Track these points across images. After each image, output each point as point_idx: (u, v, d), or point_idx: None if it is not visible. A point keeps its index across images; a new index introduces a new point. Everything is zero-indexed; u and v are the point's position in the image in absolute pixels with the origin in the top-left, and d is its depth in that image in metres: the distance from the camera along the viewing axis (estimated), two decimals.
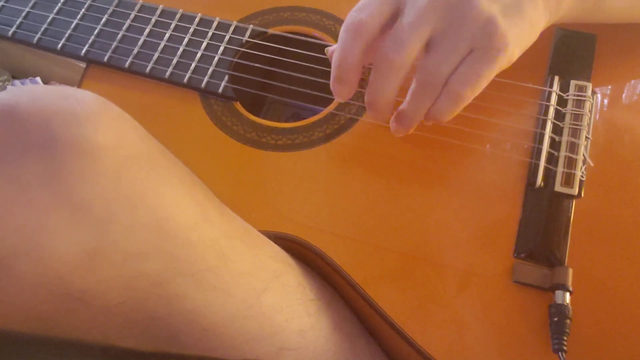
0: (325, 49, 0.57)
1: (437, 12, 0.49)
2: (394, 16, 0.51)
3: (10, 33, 0.69)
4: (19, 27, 0.69)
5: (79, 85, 0.67)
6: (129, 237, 0.41)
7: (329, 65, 0.55)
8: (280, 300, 0.50)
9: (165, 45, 0.66)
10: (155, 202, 0.43)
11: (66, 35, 0.68)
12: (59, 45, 0.68)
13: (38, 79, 1.06)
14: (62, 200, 0.39)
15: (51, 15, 0.69)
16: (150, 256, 0.42)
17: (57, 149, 0.39)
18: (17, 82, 1.05)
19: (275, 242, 0.55)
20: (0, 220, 0.38)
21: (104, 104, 0.43)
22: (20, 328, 0.41)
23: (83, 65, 0.69)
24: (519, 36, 0.51)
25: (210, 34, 0.67)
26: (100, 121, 0.41)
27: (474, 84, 0.50)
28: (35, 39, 0.68)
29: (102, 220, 0.40)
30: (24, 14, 0.69)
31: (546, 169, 0.57)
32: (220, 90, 0.64)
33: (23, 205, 0.38)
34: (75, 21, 0.69)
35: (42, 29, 0.68)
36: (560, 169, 0.56)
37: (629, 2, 0.61)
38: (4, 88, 1.02)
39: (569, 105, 0.59)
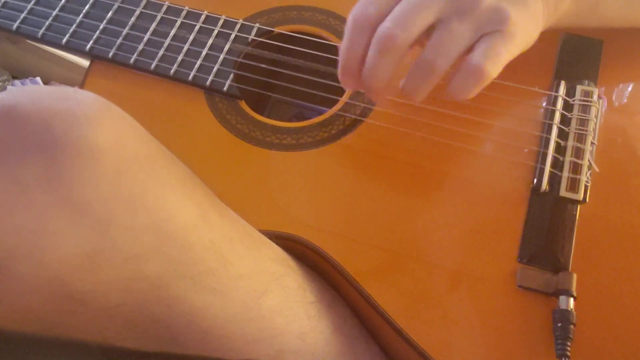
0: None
1: None
2: None
3: (14, 27, 0.69)
4: (23, 21, 0.69)
5: (83, 81, 0.66)
6: (129, 239, 0.41)
7: (335, 66, 0.55)
8: (280, 302, 0.50)
9: (170, 43, 0.66)
10: (155, 204, 0.43)
11: (71, 30, 0.68)
12: (64, 41, 0.67)
13: (38, 79, 1.05)
14: (61, 202, 0.39)
15: (56, 11, 0.69)
16: (150, 258, 0.42)
17: (56, 150, 0.39)
18: (17, 82, 1.05)
19: (277, 242, 0.55)
20: (0, 221, 0.38)
21: (104, 104, 0.43)
22: (20, 329, 0.41)
23: (84, 65, 0.69)
24: (526, 28, 0.51)
25: (216, 32, 0.67)
26: (100, 122, 0.41)
27: (495, 61, 0.49)
28: (40, 33, 0.68)
29: (102, 221, 0.40)
30: (28, 8, 0.69)
31: (551, 174, 0.56)
32: (225, 88, 0.63)
33: (23, 206, 0.38)
34: (80, 17, 0.68)
35: (47, 24, 0.68)
36: (565, 174, 0.56)
37: (624, 8, 0.60)
38: (4, 88, 1.02)
39: (575, 110, 0.59)
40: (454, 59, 0.50)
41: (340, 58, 0.53)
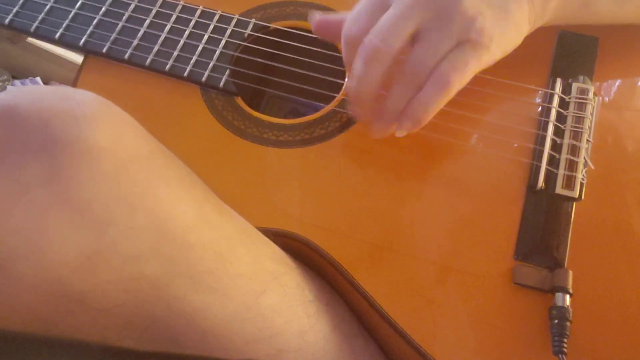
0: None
1: (424, 6, 0.49)
2: None
3: (7, 21, 0.68)
4: (16, 15, 0.68)
5: (77, 78, 0.66)
6: (128, 239, 0.41)
7: (332, 62, 0.55)
8: (279, 301, 0.50)
9: (165, 38, 0.66)
10: (154, 204, 0.43)
11: (64, 25, 0.67)
12: (57, 35, 0.66)
13: (38, 79, 1.05)
14: (61, 202, 0.39)
15: (49, 4, 0.68)
16: (149, 258, 0.42)
17: (56, 150, 0.39)
18: (17, 82, 1.04)
19: (274, 240, 0.55)
20: (0, 221, 0.38)
21: (104, 104, 0.43)
22: (20, 329, 0.41)
23: None
24: (503, 36, 0.51)
25: (211, 27, 0.66)
26: (99, 122, 0.41)
27: (462, 72, 0.50)
28: (33, 27, 0.67)
29: (101, 222, 0.40)
30: (21, 1, 0.68)
31: (547, 171, 0.56)
32: (221, 84, 0.63)
33: (22, 206, 0.38)
34: (74, 10, 0.67)
35: (40, 17, 0.67)
36: (561, 172, 0.56)
37: (614, 5, 0.61)
38: (4, 88, 1.01)
39: (571, 108, 0.59)
40: (433, 67, 0.50)
41: (351, 92, 0.54)
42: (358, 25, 0.51)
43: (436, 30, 0.49)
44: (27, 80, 1.04)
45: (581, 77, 0.61)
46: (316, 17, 0.57)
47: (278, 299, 0.50)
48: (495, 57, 0.52)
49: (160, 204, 0.43)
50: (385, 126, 0.55)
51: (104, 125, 0.41)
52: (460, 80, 0.50)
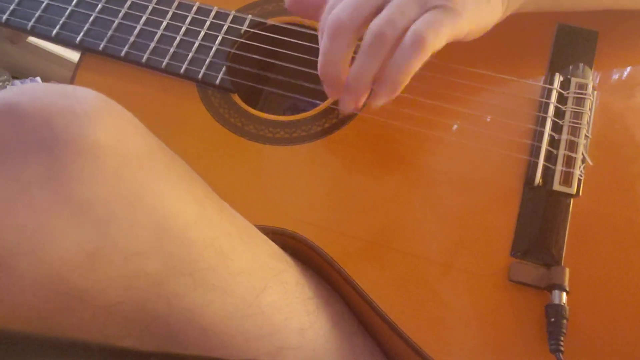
0: None
1: None
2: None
3: (3, 19, 0.67)
4: (12, 14, 0.67)
5: (73, 76, 0.65)
6: (129, 237, 0.41)
7: None
8: (279, 299, 0.50)
9: (162, 35, 0.65)
10: (155, 201, 0.43)
11: (60, 22, 0.67)
12: (54, 33, 0.66)
13: (38, 79, 1.05)
14: (62, 200, 0.39)
15: (46, 2, 0.68)
16: (150, 255, 0.42)
17: (57, 148, 0.39)
18: (17, 82, 1.04)
19: (272, 238, 0.55)
20: (1, 219, 0.38)
21: (105, 102, 0.42)
22: (21, 328, 0.41)
23: None
24: (476, 8, 0.51)
25: (208, 23, 0.66)
26: (100, 120, 0.41)
27: (436, 30, 0.48)
28: (29, 26, 0.67)
29: (102, 219, 0.40)
30: (17, 0, 0.68)
31: (545, 167, 0.57)
32: (217, 81, 0.63)
33: (23, 204, 0.38)
34: (70, 8, 0.67)
35: (36, 16, 0.67)
36: (559, 168, 0.56)
37: None
38: (4, 88, 1.01)
39: (569, 103, 0.59)
40: (401, 31, 0.49)
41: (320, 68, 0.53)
42: (347, 11, 0.50)
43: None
44: (27, 80, 1.04)
45: (580, 72, 0.61)
46: None
47: (278, 296, 0.50)
48: (468, 27, 0.51)
49: (161, 202, 0.43)
50: (353, 97, 0.54)
51: (104, 123, 0.41)
52: (435, 38, 0.49)
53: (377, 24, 0.49)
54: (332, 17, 0.50)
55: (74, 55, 1.05)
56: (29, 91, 0.41)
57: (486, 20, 0.53)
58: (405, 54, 0.49)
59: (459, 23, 0.50)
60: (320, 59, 0.52)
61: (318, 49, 0.62)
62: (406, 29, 0.49)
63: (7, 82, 1.02)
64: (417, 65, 0.50)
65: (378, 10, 0.50)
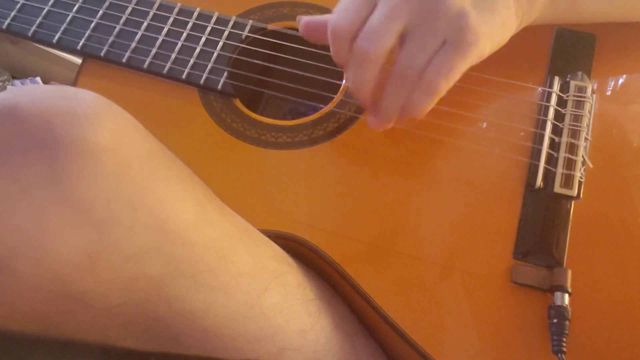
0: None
1: (410, 5, 0.49)
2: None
3: (4, 25, 0.68)
4: (14, 19, 0.68)
5: (75, 81, 0.66)
6: (129, 239, 0.41)
7: (329, 63, 0.55)
8: (280, 300, 0.50)
9: (163, 40, 0.66)
10: (155, 203, 0.43)
11: (62, 28, 0.67)
12: (55, 39, 0.67)
13: (38, 79, 1.05)
14: (62, 202, 0.39)
15: (47, 8, 0.68)
16: (150, 257, 0.42)
17: (57, 150, 0.39)
18: (17, 82, 1.04)
19: (275, 241, 0.55)
20: (1, 221, 0.38)
21: (105, 104, 0.43)
22: (21, 329, 0.41)
23: None
24: (490, 33, 0.51)
25: (209, 29, 0.66)
26: (101, 122, 0.41)
27: (447, 75, 0.50)
28: (31, 32, 0.67)
29: (102, 221, 0.40)
30: (18, 6, 0.68)
31: (546, 170, 0.57)
32: (219, 86, 0.63)
33: (23, 206, 0.38)
34: (72, 14, 0.68)
35: (38, 21, 0.67)
36: (559, 170, 0.56)
37: (603, 4, 0.61)
38: (4, 88, 1.01)
39: (569, 106, 0.59)
40: (422, 67, 0.51)
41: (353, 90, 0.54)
42: (345, 18, 0.51)
43: (422, 30, 0.50)
44: (27, 80, 1.04)
45: (579, 75, 0.61)
46: (303, 20, 0.56)
47: (279, 297, 0.50)
48: (484, 53, 0.52)
49: (162, 203, 0.43)
50: (384, 123, 0.55)
51: (105, 125, 0.41)
52: (447, 83, 0.51)
53: (398, 67, 0.51)
54: (358, 48, 0.50)
55: (74, 56, 1.05)
56: (30, 93, 0.41)
57: (501, 40, 0.54)
58: (419, 99, 0.51)
59: (473, 56, 0.51)
60: (350, 84, 0.54)
61: (318, 53, 0.62)
62: (428, 63, 0.50)
63: (7, 82, 1.03)
64: (432, 105, 0.52)
65: (401, 37, 0.51)
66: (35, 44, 0.96)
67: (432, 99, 0.51)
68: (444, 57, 0.50)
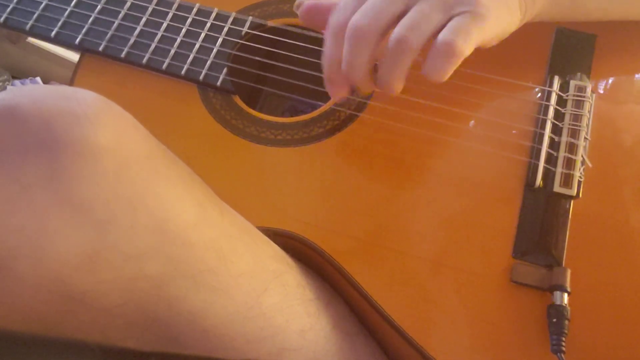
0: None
1: None
2: None
3: (2, 19, 0.67)
4: (11, 13, 0.67)
5: (73, 77, 0.65)
6: (129, 239, 0.41)
7: None
8: (280, 300, 0.50)
9: (162, 35, 0.65)
10: (155, 203, 0.43)
11: (60, 22, 0.66)
12: (53, 33, 0.66)
13: (38, 79, 1.04)
14: (62, 202, 0.39)
15: (45, 2, 0.68)
16: (150, 257, 0.42)
17: (57, 150, 0.39)
18: (17, 82, 1.03)
19: (274, 239, 0.55)
20: (1, 221, 0.38)
21: (105, 104, 0.42)
22: (21, 329, 0.41)
23: None
24: (498, 10, 0.50)
25: (208, 25, 0.66)
26: (100, 122, 0.41)
27: (465, 38, 0.48)
28: (28, 25, 0.67)
29: (102, 221, 0.40)
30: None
31: (545, 170, 0.57)
32: (219, 83, 0.63)
33: (23, 206, 0.38)
34: (70, 8, 0.67)
35: (36, 15, 0.67)
36: (559, 170, 0.56)
37: (604, 1, 0.61)
38: (4, 88, 1.01)
39: (569, 106, 0.59)
40: (426, 37, 0.49)
41: (324, 68, 0.53)
42: (345, 13, 0.51)
43: (426, 3, 0.49)
44: (27, 80, 1.04)
45: (579, 75, 0.61)
46: (305, 4, 0.56)
47: (279, 298, 0.50)
48: (492, 31, 0.51)
49: (161, 203, 0.43)
50: (387, 91, 0.53)
51: (104, 125, 0.41)
52: (465, 45, 0.48)
53: (399, 30, 0.49)
54: (353, 24, 0.49)
55: (74, 56, 1.04)
56: (30, 93, 0.41)
57: (507, 26, 0.53)
58: (437, 62, 0.49)
59: (487, 27, 0.49)
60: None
61: (317, 50, 0.62)
62: (431, 35, 0.49)
63: (7, 82, 1.02)
64: (450, 72, 0.49)
65: (400, 16, 0.50)
66: (35, 44, 0.96)
67: (451, 63, 0.49)
68: (459, 22, 0.48)
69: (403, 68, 0.51)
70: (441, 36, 0.48)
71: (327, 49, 0.52)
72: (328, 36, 0.52)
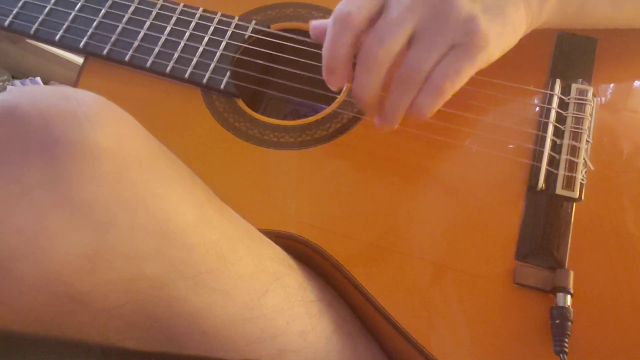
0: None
1: (420, 9, 0.50)
2: (380, 12, 0.52)
3: (6, 23, 0.68)
4: (15, 17, 0.68)
5: (77, 80, 0.66)
6: (129, 240, 0.41)
7: None
8: (281, 302, 0.50)
9: (166, 40, 0.66)
10: (155, 204, 0.43)
11: (64, 26, 0.67)
12: (57, 37, 0.66)
13: (38, 79, 1.05)
14: (62, 203, 0.39)
15: (49, 6, 0.68)
16: (150, 259, 0.42)
17: (57, 150, 0.39)
18: (17, 82, 1.04)
19: (276, 241, 0.55)
20: (1, 222, 0.38)
21: (105, 104, 0.42)
22: (21, 329, 0.41)
23: None
24: (500, 37, 0.52)
25: (212, 28, 0.66)
26: (101, 122, 0.41)
27: (453, 79, 0.50)
28: (33, 29, 0.67)
29: (102, 222, 0.40)
30: (20, 3, 0.68)
31: (547, 172, 0.57)
32: (222, 86, 0.63)
33: (23, 207, 0.38)
34: (74, 12, 0.67)
35: (40, 19, 0.67)
36: (561, 172, 0.56)
37: (609, 9, 0.61)
38: (4, 88, 1.01)
39: (571, 109, 0.59)
40: (428, 71, 0.51)
41: (324, 56, 0.54)
42: (354, 4, 0.51)
43: (430, 33, 0.50)
44: (27, 80, 1.04)
45: (580, 78, 0.61)
46: (313, 24, 0.57)
47: (280, 299, 0.50)
48: (492, 57, 0.52)
49: (162, 204, 0.43)
50: (389, 124, 0.56)
51: (105, 126, 0.41)
52: (453, 86, 0.51)
53: (404, 70, 0.51)
54: (366, 50, 0.51)
55: (74, 56, 1.05)
56: (30, 93, 0.41)
57: (510, 43, 0.54)
58: (425, 100, 0.52)
59: (483, 57, 0.51)
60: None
61: (320, 53, 0.62)
62: (435, 65, 0.51)
63: (7, 82, 1.03)
64: (436, 108, 0.53)
65: (410, 40, 0.51)
66: (35, 44, 0.96)
67: (438, 101, 0.52)
68: (452, 60, 0.50)
69: (405, 99, 0.53)
70: (433, 78, 0.51)
71: (330, 40, 0.53)
72: (330, 26, 0.53)
